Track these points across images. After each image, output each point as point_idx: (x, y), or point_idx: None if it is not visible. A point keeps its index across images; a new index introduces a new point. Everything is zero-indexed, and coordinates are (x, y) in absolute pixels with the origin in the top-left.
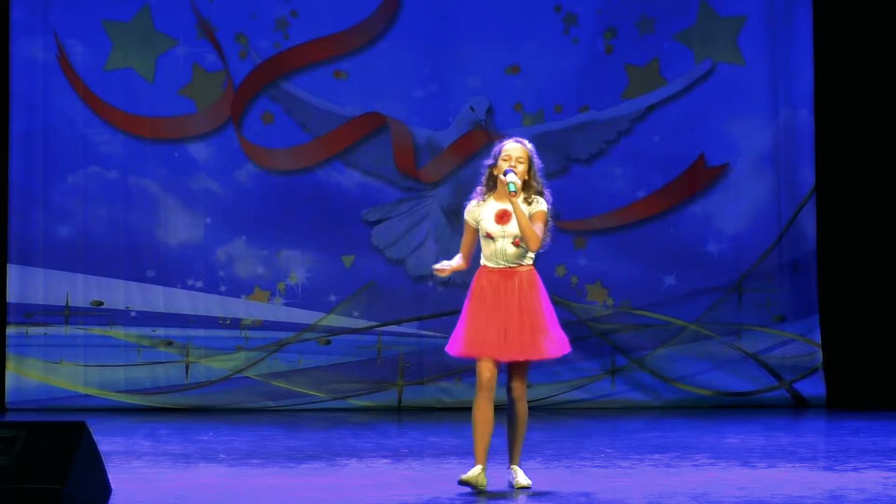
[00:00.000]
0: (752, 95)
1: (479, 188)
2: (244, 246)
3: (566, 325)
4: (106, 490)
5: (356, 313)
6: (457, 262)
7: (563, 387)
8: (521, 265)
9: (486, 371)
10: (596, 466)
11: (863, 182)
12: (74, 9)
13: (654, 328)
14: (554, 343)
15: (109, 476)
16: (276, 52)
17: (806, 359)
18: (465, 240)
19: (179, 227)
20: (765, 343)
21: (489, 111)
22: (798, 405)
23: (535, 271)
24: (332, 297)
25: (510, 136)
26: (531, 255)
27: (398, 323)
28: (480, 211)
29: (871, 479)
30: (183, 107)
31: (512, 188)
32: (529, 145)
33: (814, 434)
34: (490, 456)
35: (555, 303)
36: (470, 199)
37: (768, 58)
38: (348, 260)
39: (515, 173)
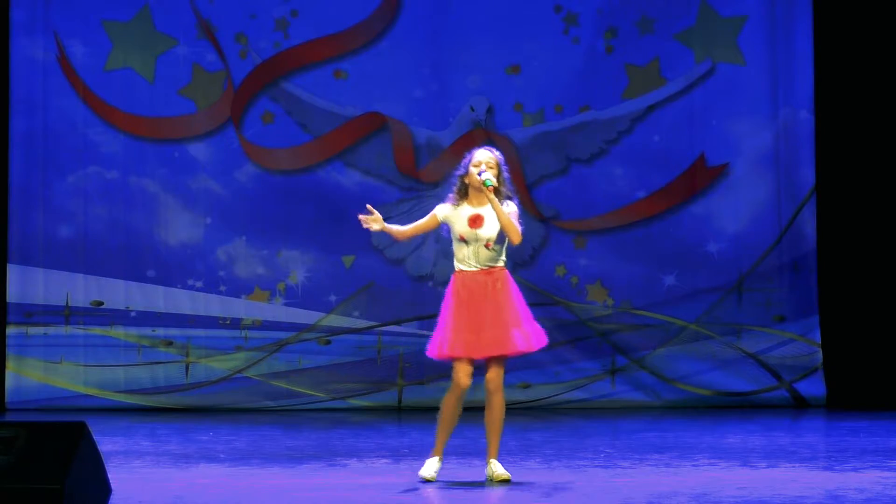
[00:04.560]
0: (752, 95)
1: (450, 196)
2: (244, 246)
3: (566, 325)
4: (106, 490)
5: (356, 313)
6: (396, 227)
7: (563, 387)
8: (494, 266)
9: (464, 376)
10: (596, 466)
11: (863, 182)
12: (74, 9)
13: (654, 328)
14: (525, 337)
15: (109, 476)
16: (276, 52)
17: (806, 359)
18: (422, 223)
19: (179, 227)
20: (765, 343)
21: (489, 111)
22: (798, 405)
23: (507, 271)
24: (332, 297)
25: (485, 145)
26: (503, 257)
27: (398, 323)
28: (453, 215)
29: (871, 479)
30: (183, 107)
31: (488, 183)
32: (498, 153)
33: (814, 434)
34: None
35: (555, 303)
36: (444, 202)
37: (768, 58)
38: (348, 260)
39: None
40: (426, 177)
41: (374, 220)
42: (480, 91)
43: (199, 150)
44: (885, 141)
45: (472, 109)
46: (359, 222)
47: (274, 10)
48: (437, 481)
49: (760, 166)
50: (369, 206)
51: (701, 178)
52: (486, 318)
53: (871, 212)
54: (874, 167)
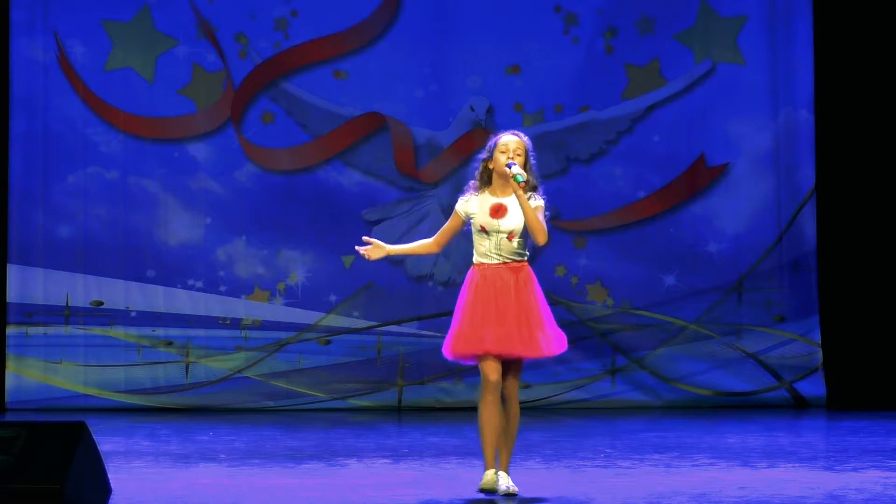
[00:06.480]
0: (752, 95)
1: (472, 182)
2: (244, 246)
3: (566, 325)
4: (106, 490)
5: (356, 313)
6: (419, 243)
7: (563, 387)
8: (517, 261)
9: (492, 373)
10: (596, 466)
11: (863, 182)
12: (74, 9)
13: (654, 328)
14: (550, 341)
15: (109, 476)
16: (276, 52)
17: (806, 359)
18: (447, 226)
19: (179, 227)
20: (765, 343)
21: (489, 111)
22: (798, 405)
23: (530, 268)
24: (332, 297)
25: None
26: (526, 251)
27: (398, 323)
28: (474, 205)
29: (871, 479)
30: (183, 107)
31: (520, 179)
32: (526, 138)
33: (814, 434)
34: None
35: (554, 303)
36: (464, 193)
37: (768, 58)
38: (348, 260)
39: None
40: (426, 177)
41: (373, 250)
42: (480, 91)
43: (199, 150)
44: (885, 141)
45: (472, 109)
46: (359, 222)
47: (274, 10)
48: (436, 482)
49: (760, 166)
50: (366, 238)
51: (701, 178)
52: (510, 316)
53: (871, 212)
54: (874, 167)
